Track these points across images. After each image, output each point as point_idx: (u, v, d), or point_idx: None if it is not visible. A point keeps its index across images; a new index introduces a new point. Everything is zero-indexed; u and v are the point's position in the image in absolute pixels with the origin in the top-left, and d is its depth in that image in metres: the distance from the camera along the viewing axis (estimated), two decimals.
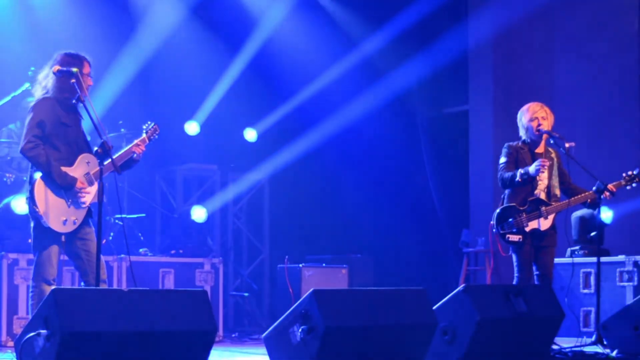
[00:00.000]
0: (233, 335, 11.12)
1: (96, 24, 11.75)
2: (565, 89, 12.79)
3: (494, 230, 8.45)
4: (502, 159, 8.55)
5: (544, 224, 8.37)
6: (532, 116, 8.52)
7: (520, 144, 8.58)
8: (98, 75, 10.23)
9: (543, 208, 8.37)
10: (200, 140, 12.68)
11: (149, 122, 7.67)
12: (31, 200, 6.96)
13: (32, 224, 7.11)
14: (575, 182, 8.65)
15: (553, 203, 8.44)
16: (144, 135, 7.58)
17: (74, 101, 7.04)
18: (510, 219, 8.33)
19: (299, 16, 13.17)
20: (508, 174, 8.41)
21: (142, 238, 11.09)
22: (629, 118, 12.18)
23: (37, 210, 6.93)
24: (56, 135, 7.01)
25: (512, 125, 12.38)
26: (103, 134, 6.76)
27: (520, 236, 8.33)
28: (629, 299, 9.41)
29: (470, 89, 13.45)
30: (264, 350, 6.78)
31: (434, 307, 7.03)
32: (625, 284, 9.65)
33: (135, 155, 7.44)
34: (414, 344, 6.77)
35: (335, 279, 11.22)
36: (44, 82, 7.17)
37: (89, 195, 7.14)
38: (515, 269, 8.39)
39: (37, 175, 6.97)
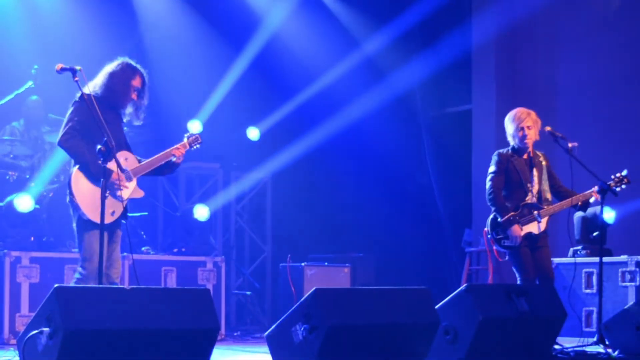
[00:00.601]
0: (235, 334, 11.13)
1: (99, 22, 11.76)
2: (569, 88, 12.78)
3: (488, 236, 8.46)
4: (492, 168, 8.55)
5: (537, 228, 8.39)
6: (519, 125, 8.49)
7: (510, 151, 8.58)
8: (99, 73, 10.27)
9: (536, 212, 8.38)
10: (202, 139, 12.65)
11: (192, 132, 7.86)
12: (69, 192, 7.00)
13: (74, 224, 7.13)
14: (578, 182, 8.64)
15: (545, 207, 8.45)
16: (185, 140, 7.72)
17: (77, 100, 7.10)
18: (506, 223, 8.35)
19: (302, 15, 13.17)
20: (498, 202, 8.40)
21: (144, 236, 11.10)
22: (633, 116, 12.16)
23: (74, 200, 7.00)
24: (95, 132, 7.06)
25: None
26: (106, 132, 6.76)
27: (515, 241, 8.34)
28: (631, 299, 9.41)
29: (473, 88, 13.45)
30: (266, 348, 6.79)
31: (437, 307, 7.04)
32: (628, 284, 9.65)
33: (175, 158, 7.58)
34: (416, 343, 6.78)
35: (337, 278, 11.22)
36: (94, 81, 7.39)
37: (127, 190, 7.26)
38: (517, 273, 8.39)
39: (75, 168, 7.00)
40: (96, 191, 7.02)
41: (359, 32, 13.58)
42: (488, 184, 8.50)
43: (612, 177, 8.53)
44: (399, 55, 13.56)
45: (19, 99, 10.72)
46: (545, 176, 8.57)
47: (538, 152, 8.65)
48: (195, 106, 12.59)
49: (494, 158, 8.57)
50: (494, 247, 8.47)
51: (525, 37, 13.06)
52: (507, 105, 12.74)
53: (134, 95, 7.41)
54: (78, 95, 7.23)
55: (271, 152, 13.36)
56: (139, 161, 7.37)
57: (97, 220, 6.96)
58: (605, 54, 12.45)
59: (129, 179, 7.28)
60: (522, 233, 8.33)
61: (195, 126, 12.29)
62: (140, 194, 7.40)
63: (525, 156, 8.55)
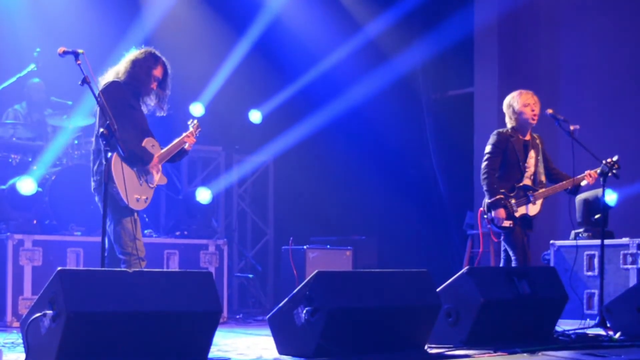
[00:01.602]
0: (237, 317, 11.15)
1: (101, 5, 11.74)
2: (572, 70, 12.77)
3: (485, 216, 8.49)
4: (489, 148, 8.53)
5: (532, 209, 8.46)
6: (526, 102, 8.52)
7: (510, 130, 8.58)
8: (102, 56, 10.24)
9: (530, 193, 8.41)
10: (205, 122, 12.60)
11: (192, 119, 7.89)
12: (108, 178, 6.89)
13: (105, 209, 7.03)
14: (579, 165, 8.65)
15: (539, 189, 8.49)
16: (191, 128, 7.79)
17: (79, 83, 7.09)
18: (501, 205, 8.37)
19: None
20: (489, 183, 8.41)
21: (147, 219, 11.11)
22: (635, 99, 12.16)
23: (115, 187, 7.02)
24: (125, 117, 7.12)
25: None
26: (109, 116, 6.78)
27: (511, 221, 8.39)
28: (633, 282, 9.41)
29: (475, 71, 13.44)
30: (268, 331, 6.80)
31: (438, 289, 7.06)
32: (629, 266, 9.65)
33: (187, 145, 7.68)
34: (418, 325, 6.80)
35: (339, 261, 11.24)
36: (117, 67, 7.46)
37: (158, 175, 7.43)
38: (512, 252, 8.44)
39: (110, 154, 7.02)
40: (135, 180, 7.18)
41: (361, 15, 13.55)
42: (484, 164, 8.51)
43: (604, 162, 8.54)
44: (401, 37, 13.54)
45: (22, 81, 10.72)
46: (541, 158, 8.61)
47: (534, 134, 8.68)
48: (198, 89, 12.60)
49: (493, 137, 8.57)
50: (489, 227, 8.49)
51: (527, 19, 13.04)
52: (509, 88, 12.67)
53: (154, 85, 7.46)
54: (104, 82, 7.26)
55: (273, 135, 13.37)
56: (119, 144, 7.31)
57: (135, 206, 7.16)
58: (608, 37, 12.44)
59: (156, 166, 7.43)
60: (517, 214, 8.36)
61: (197, 109, 12.30)
62: (164, 180, 7.57)
63: (524, 137, 8.56)
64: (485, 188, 8.47)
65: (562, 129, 8.56)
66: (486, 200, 8.48)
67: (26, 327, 5.70)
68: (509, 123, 8.62)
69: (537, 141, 8.65)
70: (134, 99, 7.40)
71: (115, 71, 7.44)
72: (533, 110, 8.52)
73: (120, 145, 6.90)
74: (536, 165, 8.57)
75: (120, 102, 7.19)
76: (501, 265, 8.60)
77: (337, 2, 13.52)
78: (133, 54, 7.48)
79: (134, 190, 7.17)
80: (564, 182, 8.57)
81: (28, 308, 5.97)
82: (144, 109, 7.55)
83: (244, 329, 9.77)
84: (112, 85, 7.28)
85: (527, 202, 8.42)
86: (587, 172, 8.53)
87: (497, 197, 8.39)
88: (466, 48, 13.41)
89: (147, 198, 7.29)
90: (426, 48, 13.53)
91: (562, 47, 12.90)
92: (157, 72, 7.47)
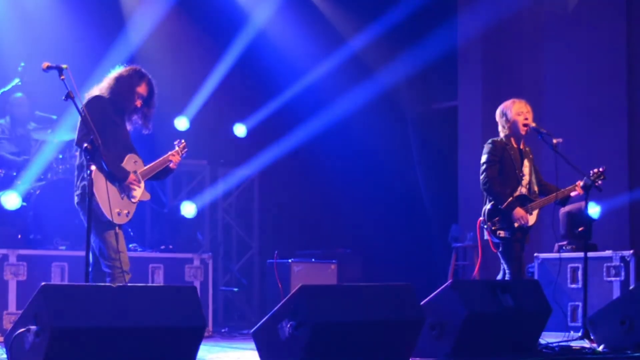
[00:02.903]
0: (223, 331, 11.14)
1: (85, 19, 11.74)
2: (555, 84, 12.84)
3: (484, 226, 8.48)
4: (485, 157, 8.50)
5: (530, 219, 8.43)
6: (519, 110, 8.56)
7: (504, 139, 8.60)
8: (86, 71, 10.24)
9: (528, 205, 8.43)
10: (189, 136, 12.66)
11: (179, 140, 7.88)
12: (89, 191, 6.82)
13: (89, 223, 7.05)
14: (563, 178, 8.68)
15: (534, 198, 8.51)
16: (177, 148, 7.77)
17: (63, 98, 7.09)
18: (501, 214, 8.38)
19: (288, 12, 13.17)
20: (495, 190, 8.39)
21: (131, 233, 11.10)
22: (617, 112, 12.23)
23: (96, 201, 6.99)
24: (106, 133, 7.12)
25: None
26: (93, 131, 6.78)
27: (509, 232, 8.38)
28: (616, 294, 9.46)
29: (459, 84, 13.50)
30: (253, 345, 6.80)
31: (422, 303, 7.08)
32: (613, 279, 9.70)
33: (171, 164, 7.66)
34: (402, 339, 6.81)
35: (324, 274, 11.25)
36: (101, 84, 7.45)
37: (140, 190, 7.38)
38: (506, 264, 8.42)
39: (92, 167, 7.00)
40: (115, 194, 7.17)
41: (345, 29, 13.59)
42: (483, 175, 8.46)
43: (591, 172, 8.57)
44: (385, 51, 13.58)
45: (5, 96, 10.70)
46: (533, 169, 8.63)
47: (527, 147, 8.71)
48: (182, 103, 12.60)
49: (488, 146, 8.54)
50: (490, 238, 8.45)
51: (511, 33, 13.11)
52: (493, 102, 12.78)
53: (138, 103, 7.44)
54: (89, 97, 7.28)
55: (258, 148, 13.37)
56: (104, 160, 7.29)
57: (117, 220, 7.15)
58: (591, 50, 12.52)
59: (138, 182, 7.39)
60: (516, 225, 8.36)
61: (182, 123, 12.30)
62: (147, 196, 7.53)
63: (519, 146, 8.59)
64: (492, 197, 8.42)
65: (545, 142, 8.59)
66: (487, 208, 8.45)
67: (10, 342, 5.70)
68: (502, 132, 8.63)
69: (528, 151, 8.69)
70: (118, 115, 7.38)
71: (100, 88, 7.43)
72: (526, 119, 8.55)
73: (104, 160, 6.91)
74: (530, 175, 8.59)
75: (102, 117, 7.18)
76: (499, 276, 8.57)
77: (321, 16, 13.56)
78: (118, 71, 7.47)
79: (116, 205, 7.16)
80: (554, 194, 8.57)
81: (12, 323, 5.96)
82: (129, 126, 7.54)
83: (229, 342, 9.76)
84: (95, 100, 7.29)
85: (527, 212, 8.43)
86: (578, 182, 8.56)
87: (510, 199, 8.39)
88: (450, 61, 13.47)
89: (128, 212, 7.28)
90: (410, 62, 13.56)
91: (545, 61, 12.97)
92: (142, 89, 7.45)
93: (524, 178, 8.53)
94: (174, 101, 12.46)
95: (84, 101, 7.26)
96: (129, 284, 6.79)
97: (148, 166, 7.55)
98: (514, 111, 8.56)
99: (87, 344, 5.57)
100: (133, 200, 7.31)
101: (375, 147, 14.01)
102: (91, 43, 11.53)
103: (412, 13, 13.17)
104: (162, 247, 11.03)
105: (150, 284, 9.74)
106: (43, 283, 5.62)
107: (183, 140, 7.87)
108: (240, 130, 13.17)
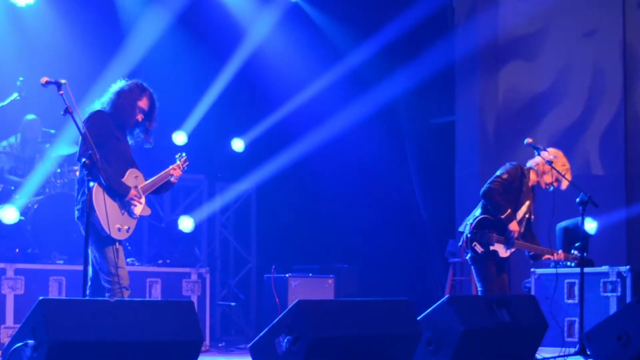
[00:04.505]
0: (220, 345, 11.15)
1: (84, 33, 11.77)
2: (551, 100, 12.86)
3: (467, 234, 8.48)
4: (505, 175, 8.53)
5: (504, 253, 8.46)
6: (558, 174, 8.55)
7: (527, 171, 8.63)
8: (85, 85, 10.28)
9: (512, 240, 8.44)
10: (187, 150, 12.62)
11: (181, 153, 7.95)
12: (89, 207, 6.88)
13: (87, 238, 7.08)
14: (559, 193, 8.71)
15: (519, 239, 8.53)
16: (178, 162, 7.82)
17: (62, 113, 7.10)
18: (486, 230, 8.40)
19: (286, 27, 13.21)
20: (495, 200, 8.41)
21: (129, 247, 11.11)
22: (614, 127, 12.26)
23: (96, 216, 6.99)
24: (106, 147, 7.14)
25: (497, 136, 12.51)
26: (92, 146, 6.80)
27: (482, 250, 8.39)
28: (613, 309, 9.48)
29: (456, 99, 13.53)
30: None
31: (419, 318, 7.09)
32: (609, 294, 9.72)
33: (172, 178, 7.67)
34: (399, 354, 6.82)
35: (321, 289, 11.26)
36: (103, 99, 7.44)
37: (140, 206, 7.34)
38: (480, 284, 8.46)
39: (92, 183, 7.01)
40: (116, 210, 7.15)
41: (343, 44, 13.62)
42: (490, 183, 8.49)
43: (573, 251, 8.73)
44: (383, 67, 13.61)
45: (5, 111, 10.71)
46: (529, 212, 8.66)
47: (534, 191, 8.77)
48: (180, 117, 12.62)
49: (512, 168, 8.59)
50: (464, 245, 8.49)
51: (508, 48, 13.14)
52: (490, 117, 12.90)
53: (139, 117, 7.44)
54: (93, 111, 7.30)
55: (256, 163, 13.38)
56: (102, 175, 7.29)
57: (117, 235, 7.13)
58: (586, 65, 12.55)
59: (139, 197, 7.36)
60: (491, 248, 8.39)
61: (180, 137, 12.32)
62: (148, 211, 7.47)
63: (531, 185, 8.63)
64: (490, 205, 8.45)
65: (541, 159, 8.62)
66: (476, 216, 8.46)
67: (8, 356, 5.71)
68: (535, 166, 8.66)
69: (533, 196, 8.73)
70: (119, 130, 7.37)
71: (101, 102, 7.44)
72: (554, 184, 8.58)
73: (102, 175, 6.92)
74: (525, 214, 8.61)
75: (103, 132, 7.20)
76: None
77: (319, 31, 13.60)
78: (119, 85, 7.47)
79: (116, 220, 7.15)
80: (532, 245, 8.64)
81: (10, 337, 5.98)
82: (130, 140, 7.55)
83: (227, 357, 9.78)
84: (95, 115, 7.29)
85: (504, 243, 8.45)
86: (560, 252, 8.62)
87: (509, 210, 8.42)
88: (448, 77, 13.49)
89: (129, 228, 7.27)
90: (408, 77, 13.59)
91: (542, 76, 13.00)
92: (143, 103, 7.46)
93: (522, 207, 8.56)
94: (172, 116, 12.49)
95: (86, 115, 7.28)
96: (127, 299, 6.80)
97: (149, 181, 7.54)
98: (559, 163, 8.58)
99: (85, 358, 5.58)
100: (134, 216, 7.30)
101: (372, 162, 14.02)
102: (90, 58, 11.56)
103: (409, 28, 13.21)
104: (160, 261, 11.05)
105: (147, 299, 9.75)
106: (41, 297, 5.64)
107: (184, 154, 7.92)
108: (238, 145, 13.19)
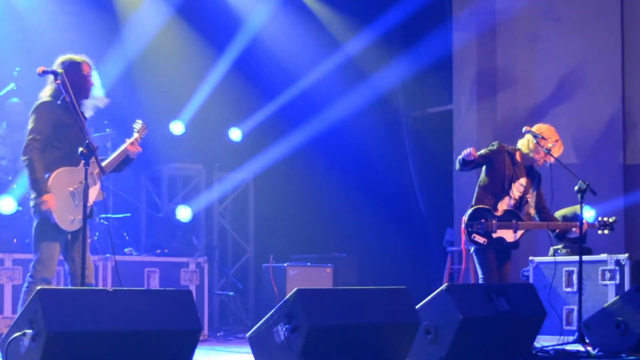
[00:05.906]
0: (218, 334, 11.16)
1: (82, 24, 11.75)
2: (549, 88, 12.85)
3: (463, 225, 8.49)
4: (481, 151, 8.57)
5: (511, 237, 8.43)
6: (549, 145, 8.53)
7: (513, 148, 8.62)
8: None
9: (514, 221, 8.42)
10: (185, 140, 12.69)
11: (137, 121, 7.73)
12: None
13: (35, 222, 7.08)
14: (558, 182, 8.69)
15: (526, 219, 8.50)
16: (136, 134, 7.62)
17: (59, 102, 7.08)
18: (483, 220, 8.39)
19: (283, 16, 13.20)
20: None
21: (127, 237, 11.12)
22: (612, 116, 12.25)
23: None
24: (57, 136, 7.06)
25: (496, 125, 12.49)
26: (88, 134, 6.78)
27: (485, 239, 8.38)
28: (611, 298, 9.46)
29: (454, 88, 13.51)
30: (248, 349, 6.82)
31: (417, 306, 7.09)
32: (608, 282, 9.72)
33: (130, 154, 7.52)
34: (397, 342, 6.83)
35: (319, 278, 11.26)
36: (47, 88, 7.28)
37: (96, 189, 7.23)
38: (480, 270, 8.46)
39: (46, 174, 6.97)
40: (69, 201, 7.06)
41: (341, 33, 13.62)
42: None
43: (600, 219, 8.69)
44: (380, 56, 13.61)
45: (1, 101, 10.70)
46: (534, 192, 8.62)
47: (538, 171, 8.73)
48: (178, 107, 12.61)
49: (490, 146, 8.62)
50: (463, 237, 8.49)
51: (505, 37, 13.13)
52: (488, 106, 12.89)
53: (90, 82, 7.35)
54: (37, 102, 7.18)
55: (253, 153, 13.38)
56: (99, 163, 7.22)
57: (67, 227, 7.03)
58: (584, 53, 12.54)
59: (94, 183, 7.22)
60: (495, 235, 8.37)
61: (177, 127, 12.32)
62: (102, 196, 7.34)
63: (525, 164, 8.60)
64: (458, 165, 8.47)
65: (540, 147, 8.60)
66: (471, 210, 8.48)
67: (6, 346, 5.70)
68: (524, 147, 8.65)
69: (536, 174, 8.70)
70: (66, 114, 7.12)
71: (42, 93, 7.28)
72: (546, 159, 8.55)
73: (36, 167, 6.87)
74: (525, 193, 8.57)
75: (51, 122, 7.09)
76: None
77: (316, 20, 13.58)
78: (40, 67, 7.09)
79: (69, 212, 7.06)
80: (551, 223, 8.62)
81: (8, 327, 5.97)
82: (88, 112, 7.40)
83: (225, 346, 9.77)
84: (40, 107, 7.17)
85: (510, 227, 8.43)
86: (585, 223, 8.61)
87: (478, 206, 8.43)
88: (445, 66, 13.48)
89: (81, 219, 7.05)
90: (405, 66, 13.59)
91: (539, 65, 12.98)
92: (85, 70, 7.34)
93: (512, 193, 8.52)
94: (170, 105, 12.49)
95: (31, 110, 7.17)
96: (125, 288, 6.78)
97: (107, 160, 7.40)
98: (547, 136, 8.55)
99: (83, 348, 5.57)
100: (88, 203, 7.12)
101: (370, 151, 14.02)
102: (87, 48, 11.49)
103: (407, 17, 13.21)
104: (158, 251, 11.04)
105: (145, 288, 9.75)
106: (39, 287, 5.63)
107: (140, 121, 7.72)
108: (235, 134, 13.18)
